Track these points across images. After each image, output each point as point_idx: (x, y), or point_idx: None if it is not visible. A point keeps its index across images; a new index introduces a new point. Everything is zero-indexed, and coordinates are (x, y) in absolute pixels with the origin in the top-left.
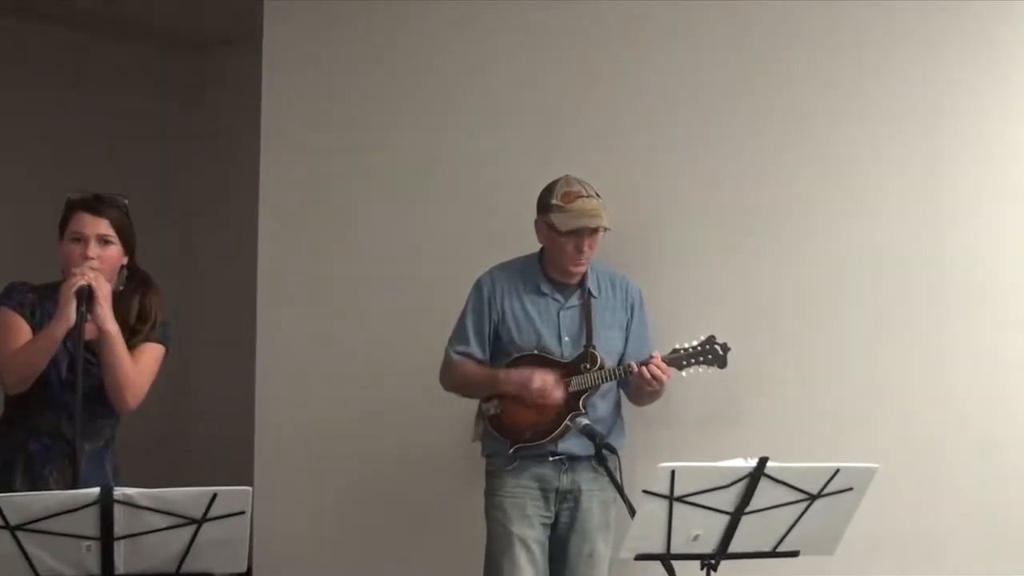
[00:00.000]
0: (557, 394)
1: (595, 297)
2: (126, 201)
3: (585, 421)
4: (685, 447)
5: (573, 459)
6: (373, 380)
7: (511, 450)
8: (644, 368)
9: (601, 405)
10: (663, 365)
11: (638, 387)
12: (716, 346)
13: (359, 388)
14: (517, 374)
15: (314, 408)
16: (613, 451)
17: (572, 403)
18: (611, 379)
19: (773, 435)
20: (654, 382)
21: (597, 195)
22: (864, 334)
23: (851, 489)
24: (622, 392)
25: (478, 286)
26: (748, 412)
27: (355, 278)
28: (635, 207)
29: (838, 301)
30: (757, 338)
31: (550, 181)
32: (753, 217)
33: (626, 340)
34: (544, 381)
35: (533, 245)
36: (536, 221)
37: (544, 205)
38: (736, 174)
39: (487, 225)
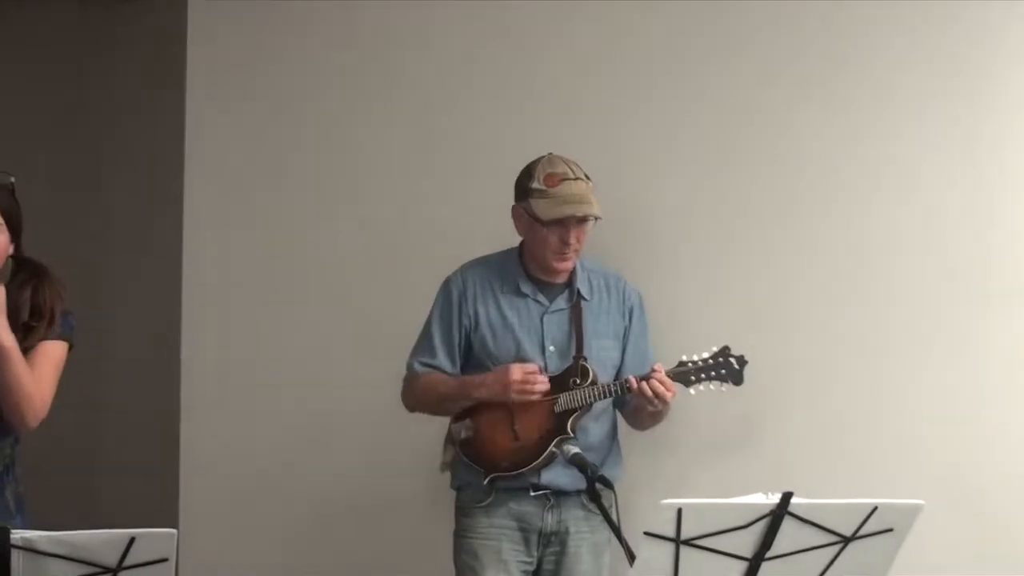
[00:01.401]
0: (542, 386)
1: (586, 300)
2: (12, 179)
3: (574, 449)
4: (693, 479)
5: (560, 494)
6: (322, 399)
7: (486, 481)
8: (644, 384)
9: (594, 429)
10: (667, 380)
11: (637, 407)
12: (731, 359)
13: (306, 409)
14: (492, 373)
15: (252, 432)
16: (608, 485)
17: (559, 426)
18: (606, 397)
19: (799, 464)
20: (656, 401)
21: (586, 177)
22: (903, 345)
23: (891, 530)
24: (618, 413)
25: (446, 287)
26: (769, 437)
27: (301, 279)
28: (634, 201)
29: (872, 305)
30: (777, 350)
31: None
32: (767, 213)
33: (623, 352)
34: (525, 371)
35: (512, 239)
36: (514, 208)
37: (523, 189)
38: (750, 165)
39: (457, 218)
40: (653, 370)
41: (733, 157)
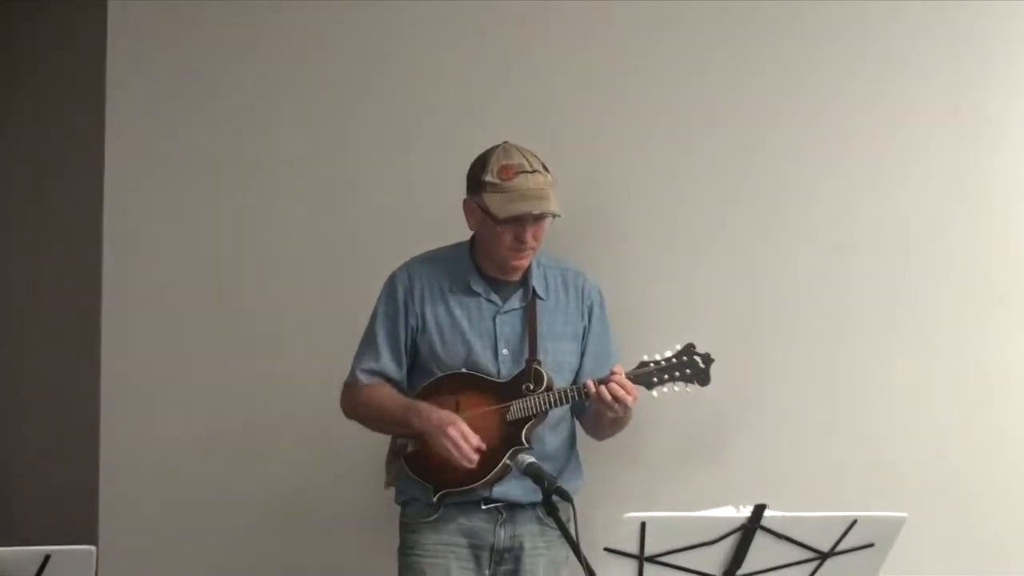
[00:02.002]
0: (467, 462)
1: (542, 299)
2: None
3: (529, 459)
4: (658, 490)
5: (513, 507)
6: (256, 405)
7: (435, 497)
8: (603, 388)
9: (551, 438)
10: (627, 383)
11: (597, 413)
12: (696, 357)
13: (238, 416)
14: (439, 413)
15: (178, 441)
16: (566, 497)
17: (512, 436)
18: (562, 403)
19: (772, 474)
20: (616, 405)
21: (544, 169)
22: (880, 344)
23: (872, 545)
24: (577, 422)
25: (391, 283)
26: (740, 445)
27: (232, 276)
28: (595, 191)
29: (849, 304)
30: (748, 350)
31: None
32: (740, 204)
33: (582, 354)
34: (467, 438)
35: (462, 233)
36: (465, 202)
37: (475, 182)
38: (721, 152)
39: (404, 210)
40: (612, 372)
41: (703, 144)
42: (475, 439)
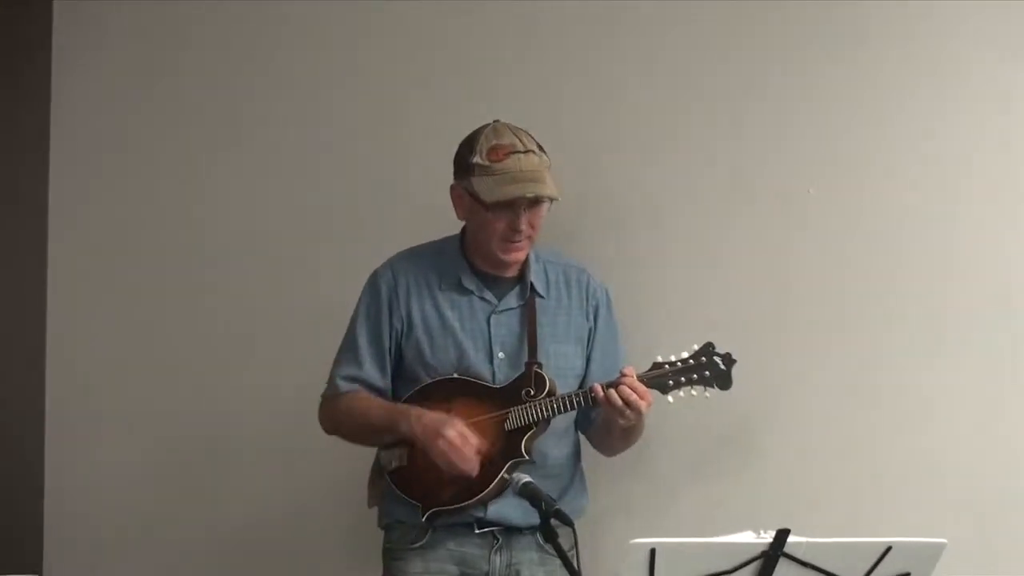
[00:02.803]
0: (469, 465)
1: (542, 297)
2: None
3: (525, 477)
4: (669, 511)
5: (510, 531)
6: (222, 417)
7: (423, 517)
8: (612, 392)
9: (553, 451)
10: (639, 386)
11: (606, 423)
12: (716, 357)
13: (202, 429)
14: (432, 416)
15: (132, 457)
16: (567, 522)
17: (511, 447)
18: (566, 410)
19: (797, 492)
20: (627, 411)
21: (540, 149)
22: (921, 346)
23: (908, 574)
24: (582, 435)
25: (372, 282)
26: (760, 458)
27: (188, 285)
28: (600, 180)
29: (886, 303)
30: (771, 352)
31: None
32: (763, 190)
33: (588, 360)
34: (467, 437)
35: (454, 226)
36: (452, 188)
37: (463, 165)
38: (743, 132)
39: (385, 200)
40: (622, 374)
41: (719, 131)
42: (476, 440)
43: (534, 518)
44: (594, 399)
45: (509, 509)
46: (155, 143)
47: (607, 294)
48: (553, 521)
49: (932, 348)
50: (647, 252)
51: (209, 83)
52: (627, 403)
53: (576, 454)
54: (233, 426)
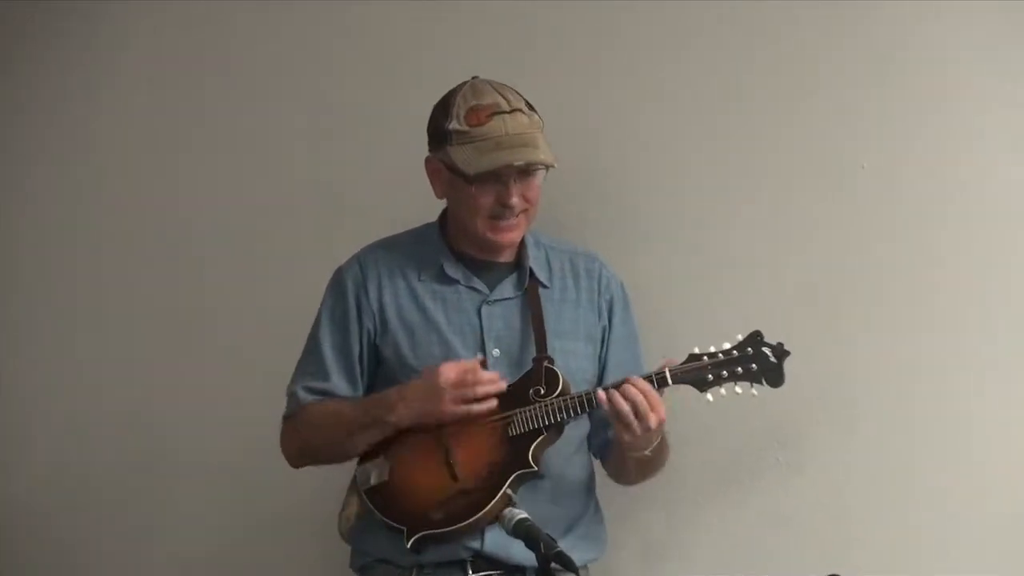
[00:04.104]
0: (491, 386)
1: (544, 286)
2: None
3: (520, 514)
4: (691, 546)
5: (512, 572)
6: (169, 438)
7: (408, 543)
8: (616, 395)
9: (568, 470)
10: (650, 391)
11: (619, 443)
12: (765, 348)
13: (143, 450)
14: (415, 382)
15: (68, 479)
16: (571, 567)
17: (515, 456)
18: (565, 415)
19: (850, 525)
20: (633, 421)
21: (529, 108)
22: (1004, 346)
23: None
24: (598, 463)
25: (338, 280)
26: (812, 476)
27: (143, 270)
28: (611, 155)
29: (944, 295)
30: (820, 351)
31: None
32: (797, 162)
33: (603, 366)
34: (462, 368)
35: (432, 214)
36: (428, 161)
37: (438, 133)
38: (772, 94)
39: (350, 188)
40: (627, 380)
41: (749, 97)
42: (470, 362)
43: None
44: (594, 406)
45: (510, 541)
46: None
47: (623, 289)
48: (554, 565)
49: (1014, 346)
50: (666, 236)
51: (170, 66)
52: (634, 406)
53: (590, 480)
54: (185, 437)
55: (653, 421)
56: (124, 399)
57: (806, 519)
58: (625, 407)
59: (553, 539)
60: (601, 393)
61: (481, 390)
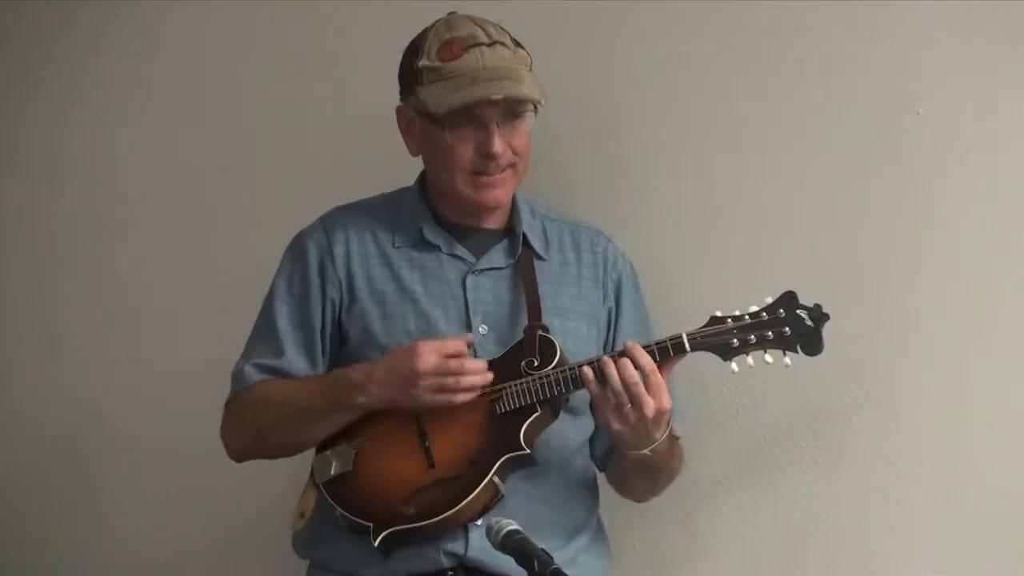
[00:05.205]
0: (477, 377)
1: (541, 258)
2: None
3: (510, 525)
4: (711, 558)
5: None
6: (105, 422)
7: (376, 541)
8: (611, 366)
9: (567, 473)
10: (647, 363)
11: (618, 451)
12: (800, 311)
13: (77, 438)
14: (386, 359)
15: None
16: None
17: (504, 437)
18: (553, 391)
19: (894, 534)
20: (625, 403)
21: (515, 43)
22: None
23: None
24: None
25: (298, 245)
26: (849, 470)
27: (63, 255)
28: (615, 119)
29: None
30: (869, 321)
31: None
32: (826, 123)
33: (609, 349)
34: (443, 351)
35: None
36: (399, 111)
37: (409, 75)
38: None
39: (314, 150)
40: (624, 346)
41: (805, 34)
42: (455, 344)
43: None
44: (581, 383)
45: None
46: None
47: (632, 268)
48: None
49: None
50: (680, 216)
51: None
52: (627, 387)
53: (592, 484)
54: (121, 429)
55: (650, 409)
56: (71, 393)
57: (843, 526)
58: (618, 384)
59: (549, 555)
60: (587, 369)
61: (466, 381)
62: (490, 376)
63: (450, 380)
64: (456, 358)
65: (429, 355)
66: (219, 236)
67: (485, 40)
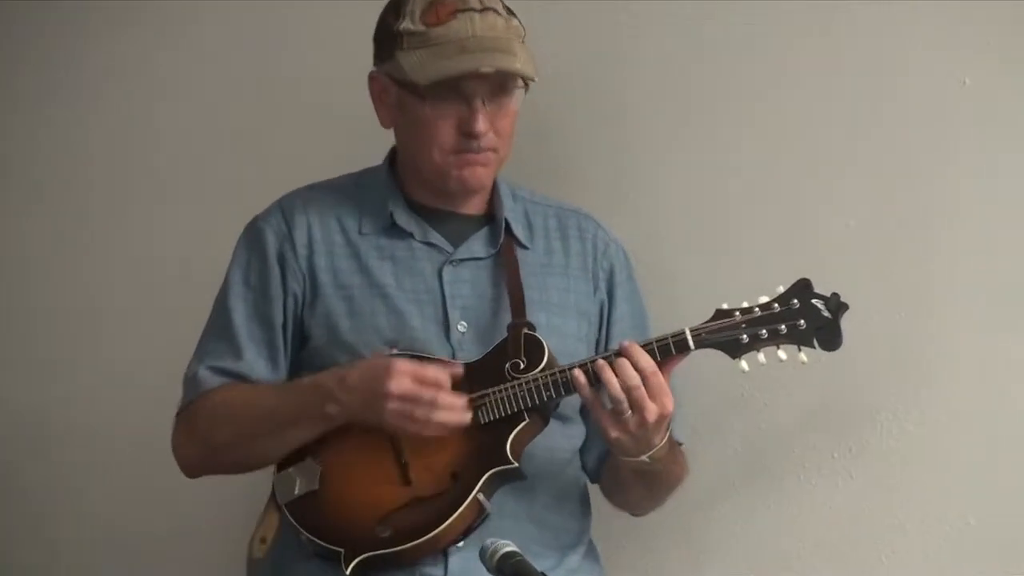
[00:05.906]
0: (453, 415)
1: (524, 246)
2: None
3: (507, 547)
4: (720, 564)
5: None
6: (53, 421)
7: (348, 569)
8: (607, 369)
9: (557, 484)
10: (647, 363)
11: (612, 461)
12: (816, 301)
13: (27, 446)
14: (359, 368)
15: None
16: None
17: (490, 450)
18: (570, 391)
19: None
20: (626, 411)
21: (507, 10)
22: None
23: None
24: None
25: (253, 233)
26: (866, 485)
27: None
28: (608, 99)
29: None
30: (899, 317)
31: None
32: (844, 101)
33: (602, 344)
34: (420, 375)
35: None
36: (372, 79)
37: (386, 37)
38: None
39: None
40: (621, 346)
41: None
42: (436, 372)
43: None
44: (572, 387)
45: (483, 568)
46: None
47: (626, 257)
48: None
49: None
50: (680, 203)
51: None
52: (627, 390)
53: (584, 500)
54: (81, 441)
55: (652, 414)
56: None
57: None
58: (616, 389)
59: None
60: (578, 373)
61: (437, 417)
62: (468, 417)
63: (419, 411)
64: (433, 387)
65: (402, 378)
66: (180, 224)
67: (476, 5)
